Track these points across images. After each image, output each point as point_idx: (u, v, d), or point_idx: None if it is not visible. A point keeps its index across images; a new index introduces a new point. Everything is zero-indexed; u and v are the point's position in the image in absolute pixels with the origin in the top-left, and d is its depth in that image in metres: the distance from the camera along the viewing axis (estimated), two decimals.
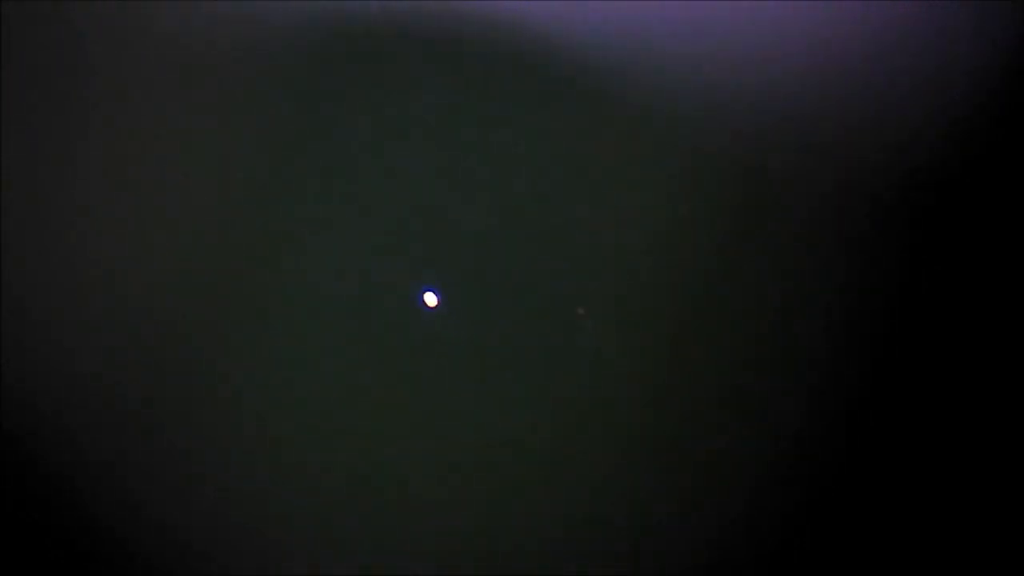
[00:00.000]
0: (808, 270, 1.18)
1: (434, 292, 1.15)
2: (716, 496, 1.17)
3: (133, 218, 1.19)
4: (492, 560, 1.16)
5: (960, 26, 1.19)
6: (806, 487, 1.17)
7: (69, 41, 1.21)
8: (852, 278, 1.18)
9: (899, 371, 1.18)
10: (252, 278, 1.18)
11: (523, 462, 1.15)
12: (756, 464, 1.17)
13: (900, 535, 1.17)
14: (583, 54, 1.20)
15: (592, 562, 1.16)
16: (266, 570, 1.16)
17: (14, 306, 1.18)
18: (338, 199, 1.19)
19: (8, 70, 1.20)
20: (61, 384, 1.17)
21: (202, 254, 1.18)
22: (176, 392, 1.17)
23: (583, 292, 1.18)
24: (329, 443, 1.16)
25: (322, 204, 1.19)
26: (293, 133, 1.20)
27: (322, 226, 1.18)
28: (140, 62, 1.20)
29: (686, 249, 1.18)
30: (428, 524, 1.16)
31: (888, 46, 1.19)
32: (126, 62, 1.20)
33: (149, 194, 1.19)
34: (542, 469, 1.16)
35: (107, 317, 1.18)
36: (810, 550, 1.17)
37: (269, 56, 1.20)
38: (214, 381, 1.17)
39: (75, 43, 1.21)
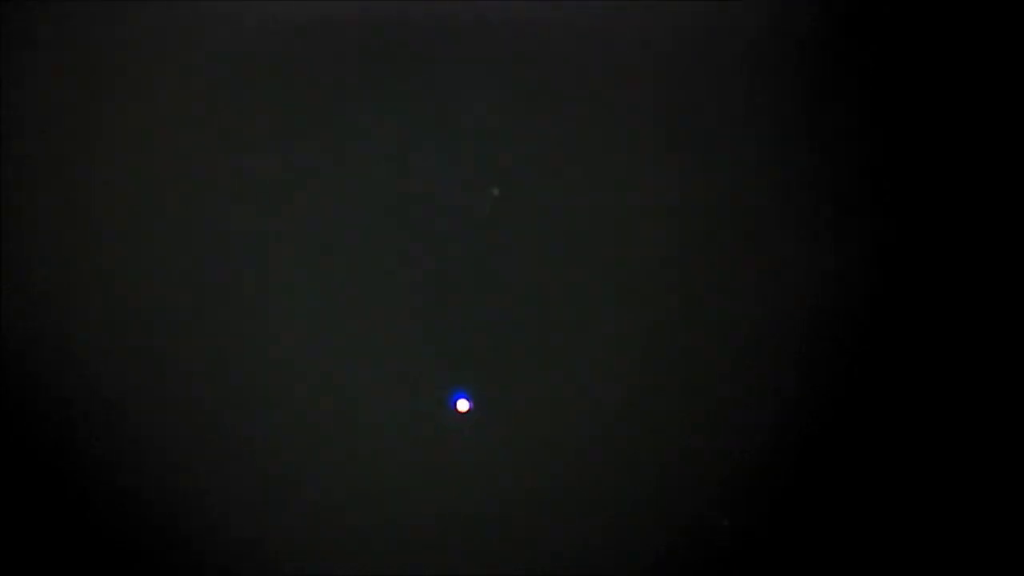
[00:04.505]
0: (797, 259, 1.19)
1: (466, 398, 1.17)
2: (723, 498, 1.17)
3: (135, 218, 1.19)
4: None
5: None
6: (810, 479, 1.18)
7: (67, 42, 1.21)
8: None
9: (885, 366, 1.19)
10: (252, 281, 1.19)
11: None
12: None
13: (892, 520, 1.18)
14: (581, 54, 1.20)
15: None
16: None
17: (15, 304, 1.18)
18: (340, 200, 1.19)
19: (8, 71, 1.20)
20: (62, 382, 1.18)
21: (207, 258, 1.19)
22: (177, 390, 1.18)
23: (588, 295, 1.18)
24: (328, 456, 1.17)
25: (323, 205, 1.19)
26: (295, 136, 1.20)
27: (322, 230, 1.19)
28: (140, 63, 1.20)
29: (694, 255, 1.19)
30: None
31: None
32: (126, 63, 1.21)
33: (151, 195, 1.19)
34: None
35: (109, 317, 1.18)
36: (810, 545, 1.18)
37: (270, 59, 1.20)
38: (214, 390, 1.18)
39: (73, 45, 1.21)
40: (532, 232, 1.19)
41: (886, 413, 1.18)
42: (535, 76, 1.20)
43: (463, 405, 1.17)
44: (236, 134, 1.20)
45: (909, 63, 1.21)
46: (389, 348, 1.18)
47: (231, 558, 1.16)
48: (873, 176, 1.20)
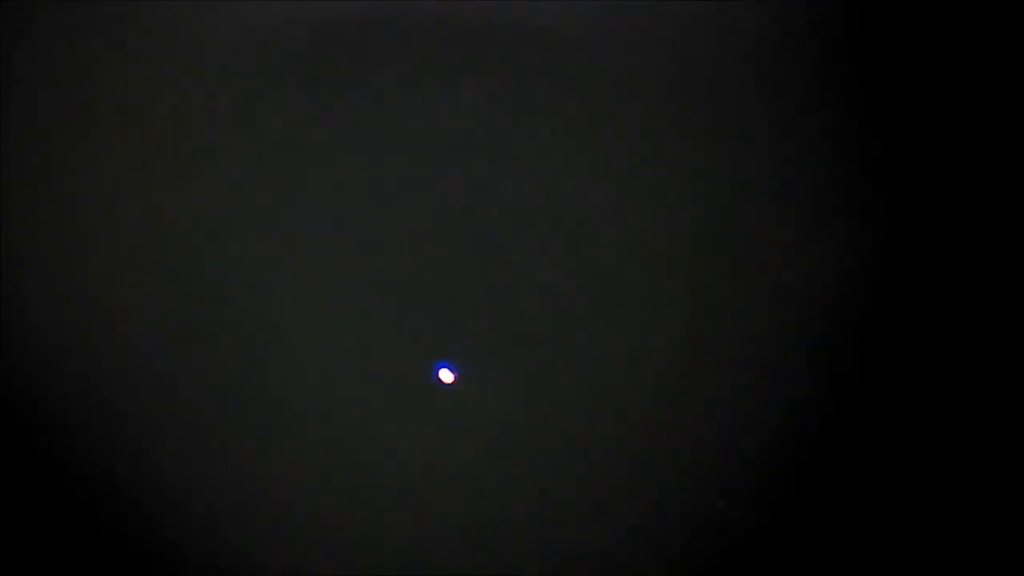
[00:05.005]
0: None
1: (449, 368, 1.16)
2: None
3: (135, 219, 1.19)
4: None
5: None
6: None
7: (67, 42, 1.21)
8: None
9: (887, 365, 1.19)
10: (250, 282, 1.19)
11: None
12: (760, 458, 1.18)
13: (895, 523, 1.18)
14: (583, 55, 1.20)
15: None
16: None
17: (15, 305, 1.18)
18: (338, 202, 1.20)
19: (8, 71, 1.20)
20: (63, 383, 1.18)
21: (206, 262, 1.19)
22: (175, 393, 1.18)
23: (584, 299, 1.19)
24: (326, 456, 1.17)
25: (321, 208, 1.20)
26: (294, 139, 1.20)
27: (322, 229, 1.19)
28: (140, 63, 1.21)
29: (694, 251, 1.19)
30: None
31: None
32: (126, 63, 1.21)
33: (150, 196, 1.20)
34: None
35: (109, 317, 1.18)
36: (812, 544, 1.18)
37: (271, 60, 1.21)
38: (213, 392, 1.18)
39: (73, 45, 1.21)
40: (532, 228, 1.19)
41: (888, 413, 1.18)
42: (535, 76, 1.20)
43: (447, 376, 1.15)
44: (236, 134, 1.20)
45: (909, 63, 1.21)
46: (368, 324, 1.17)
47: (222, 556, 1.16)
48: (873, 176, 1.21)
